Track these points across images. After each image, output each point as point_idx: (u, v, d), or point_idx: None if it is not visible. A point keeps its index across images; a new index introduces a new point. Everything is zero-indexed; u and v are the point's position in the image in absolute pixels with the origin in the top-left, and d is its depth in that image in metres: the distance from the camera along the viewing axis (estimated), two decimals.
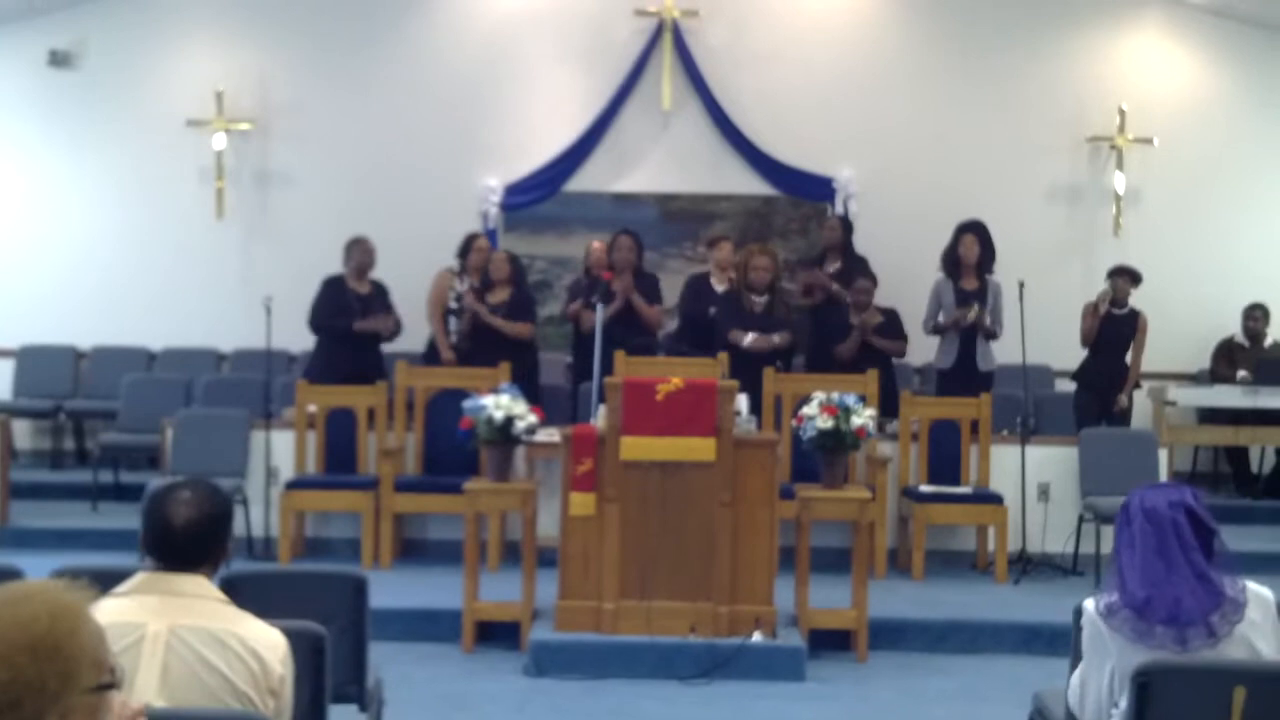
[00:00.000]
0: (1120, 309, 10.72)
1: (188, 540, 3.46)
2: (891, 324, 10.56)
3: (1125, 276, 10.72)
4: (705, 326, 10.19)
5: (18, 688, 2.40)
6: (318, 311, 10.40)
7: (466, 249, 10.95)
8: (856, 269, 10.89)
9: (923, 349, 10.90)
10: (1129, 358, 10.80)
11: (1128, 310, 10.74)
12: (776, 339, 9.97)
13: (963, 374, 10.27)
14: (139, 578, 3.47)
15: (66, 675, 2.44)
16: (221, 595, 3.53)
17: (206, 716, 3.33)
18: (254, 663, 3.40)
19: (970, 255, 10.30)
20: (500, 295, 10.42)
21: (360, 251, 10.53)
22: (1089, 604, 4.06)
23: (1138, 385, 10.95)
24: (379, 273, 10.69)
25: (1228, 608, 3.93)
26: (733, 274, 10.38)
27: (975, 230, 10.37)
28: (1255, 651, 3.93)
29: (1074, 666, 4.45)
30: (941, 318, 10.35)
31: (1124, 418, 10.80)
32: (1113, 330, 10.70)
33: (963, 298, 10.28)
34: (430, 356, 10.80)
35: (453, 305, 10.77)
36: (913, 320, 10.60)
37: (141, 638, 3.36)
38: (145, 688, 3.32)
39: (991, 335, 10.32)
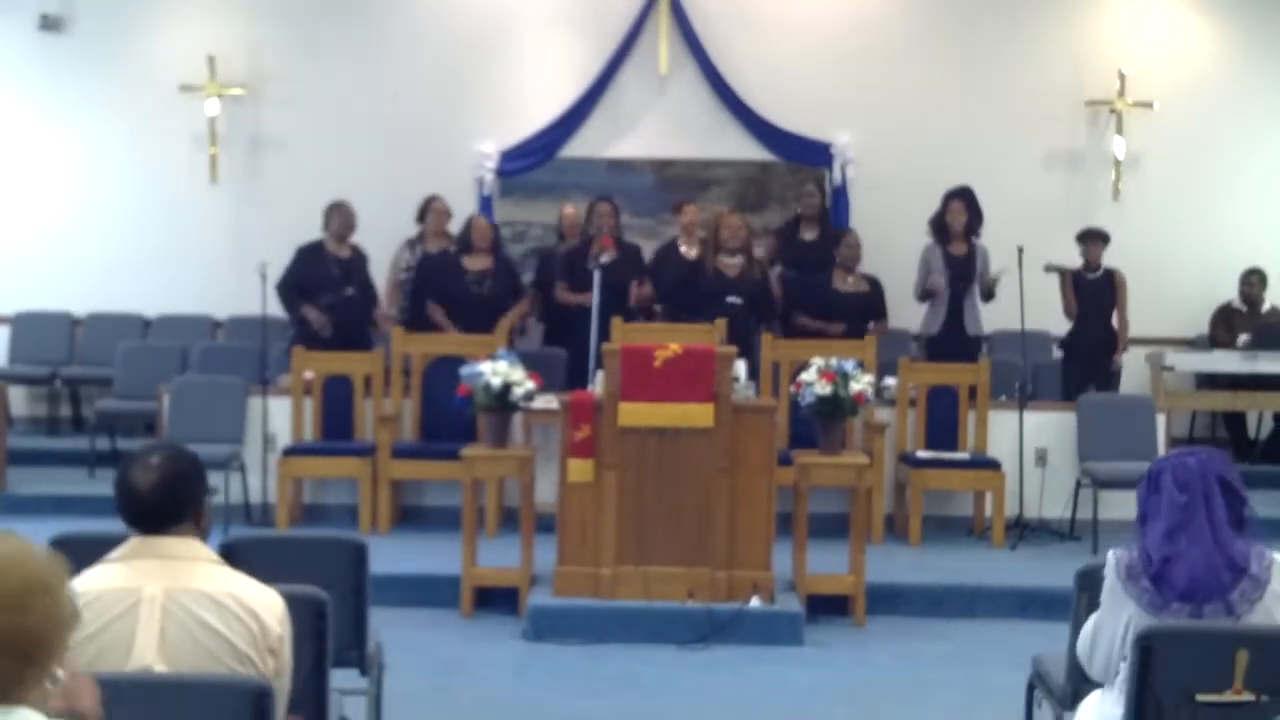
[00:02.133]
0: (1093, 273, 10.70)
1: (158, 502, 3.44)
2: (874, 295, 10.56)
3: (1096, 239, 10.71)
4: (679, 292, 10.18)
5: (44, 626, 2.43)
6: (288, 281, 10.32)
7: (424, 213, 10.95)
8: (834, 237, 10.90)
9: (912, 316, 10.85)
10: (1115, 321, 10.80)
11: (1102, 272, 10.73)
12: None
13: (950, 339, 10.29)
14: (131, 543, 3.46)
15: (69, 606, 2.48)
16: (215, 556, 3.52)
17: (212, 680, 3.32)
18: (252, 623, 3.40)
19: (958, 222, 10.33)
20: (481, 262, 10.36)
21: (340, 215, 10.43)
22: (1113, 555, 4.04)
23: (1125, 347, 10.95)
24: (373, 239, 10.65)
25: (1248, 585, 3.89)
26: (703, 233, 10.38)
27: (963, 197, 10.39)
28: (1275, 622, 3.91)
29: (1075, 628, 4.46)
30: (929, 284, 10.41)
31: (1115, 381, 10.79)
32: (1091, 295, 10.70)
33: (951, 263, 10.30)
34: (410, 324, 10.72)
35: (402, 277, 10.79)
36: (903, 290, 10.65)
37: (137, 602, 3.36)
38: (143, 652, 3.33)
39: (988, 296, 10.34)
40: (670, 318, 9.88)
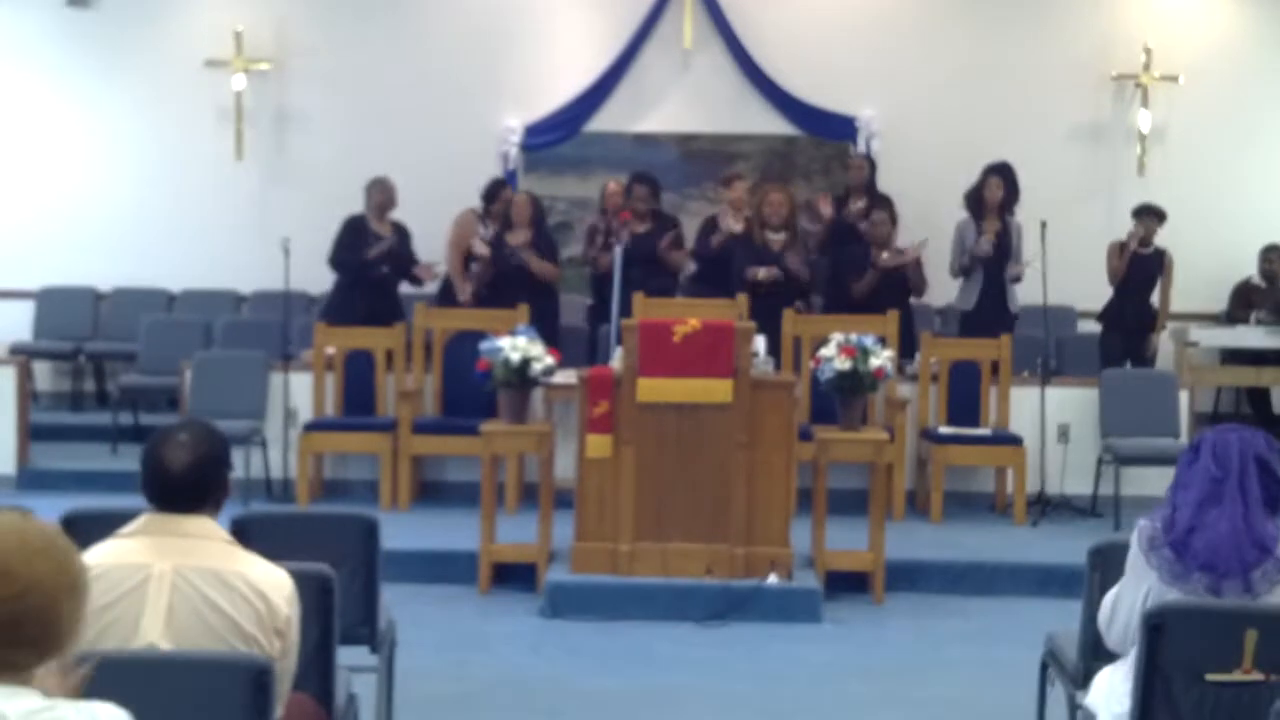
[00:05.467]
0: (1146, 249, 10.62)
1: (187, 483, 3.45)
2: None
3: (1152, 216, 10.61)
4: (722, 267, 10.15)
5: (47, 588, 2.45)
6: (338, 250, 10.39)
7: (492, 195, 10.91)
8: (880, 208, 10.83)
9: (945, 290, 10.82)
10: (1155, 298, 10.73)
11: (1153, 250, 10.65)
12: (792, 268, 9.93)
13: (986, 315, 10.23)
14: (143, 519, 3.47)
15: (80, 571, 2.51)
16: (226, 535, 3.52)
17: (212, 657, 3.33)
18: (259, 603, 3.40)
19: (994, 197, 10.26)
20: (521, 237, 10.36)
21: (380, 191, 10.50)
22: (1139, 525, 4.04)
23: (1164, 326, 10.89)
24: (399, 213, 10.65)
25: (1271, 566, 3.89)
26: (748, 212, 10.34)
27: (1001, 172, 10.33)
28: None
29: (1087, 606, 4.44)
30: (965, 259, 10.33)
31: (1152, 359, 10.73)
32: (1139, 270, 10.61)
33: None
34: (445, 298, 10.78)
35: (478, 249, 10.70)
36: (936, 261, 10.57)
37: (146, 579, 3.37)
38: (150, 629, 3.34)
39: (1016, 279, 10.27)
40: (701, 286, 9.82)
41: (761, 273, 9.85)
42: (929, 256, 10.52)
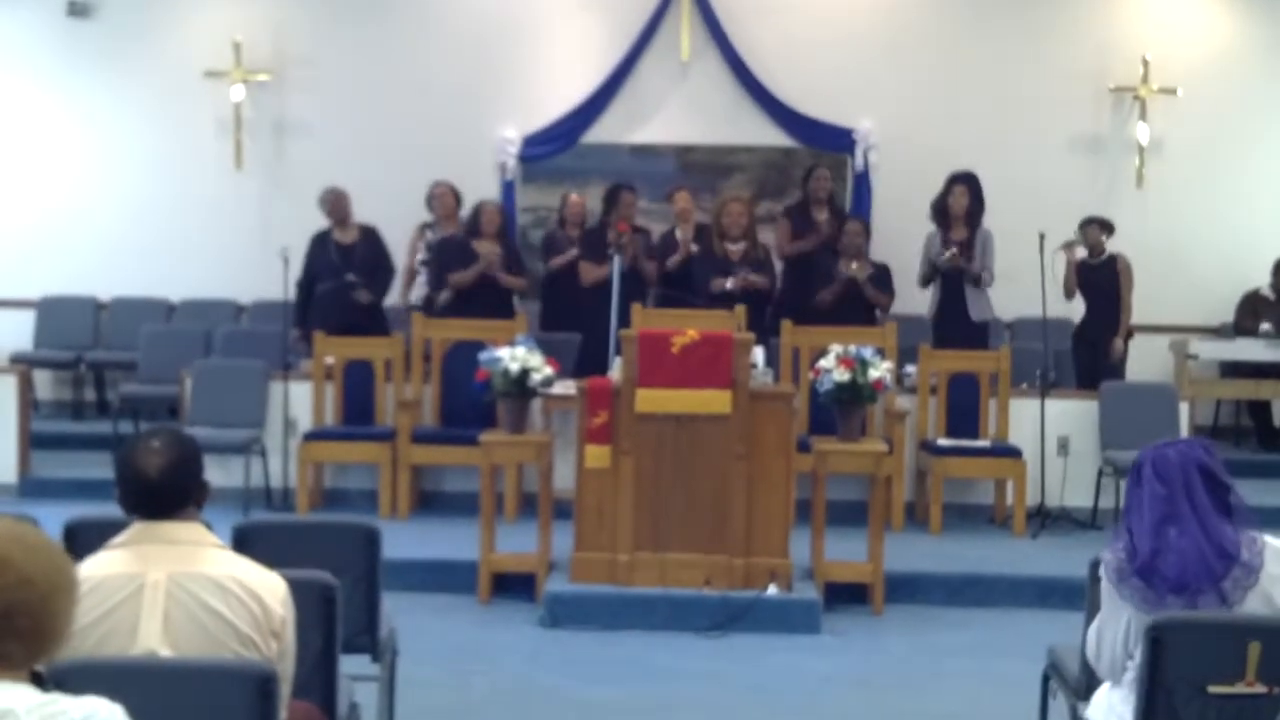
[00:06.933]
0: (1095, 258, 10.63)
1: (167, 487, 3.46)
2: (880, 278, 10.52)
3: (1095, 225, 10.61)
4: (678, 280, 10.18)
5: (41, 583, 2.47)
6: (302, 277, 10.42)
7: (430, 200, 10.98)
8: (844, 221, 10.88)
9: (917, 302, 10.83)
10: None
11: (1105, 258, 10.64)
12: (754, 278, 10.01)
13: (948, 324, 10.27)
14: (134, 529, 3.48)
15: (74, 578, 2.59)
16: (217, 540, 3.53)
17: (216, 665, 3.33)
18: (255, 605, 3.41)
19: (959, 206, 10.28)
20: (487, 246, 10.36)
21: (328, 202, 10.50)
22: (1104, 558, 4.04)
23: (1131, 334, 10.87)
24: (397, 224, 10.65)
25: (1240, 572, 3.87)
26: (703, 219, 10.41)
27: (966, 181, 10.34)
28: (1274, 606, 3.88)
29: (1089, 619, 4.44)
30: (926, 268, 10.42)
31: (1117, 367, 10.70)
32: (1093, 280, 10.61)
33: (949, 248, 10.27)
34: (430, 307, 10.72)
35: (421, 258, 10.77)
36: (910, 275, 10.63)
37: (141, 587, 3.37)
38: (148, 637, 3.34)
39: (977, 281, 10.26)
40: (666, 303, 9.86)
41: (729, 283, 9.88)
42: (900, 270, 10.57)
